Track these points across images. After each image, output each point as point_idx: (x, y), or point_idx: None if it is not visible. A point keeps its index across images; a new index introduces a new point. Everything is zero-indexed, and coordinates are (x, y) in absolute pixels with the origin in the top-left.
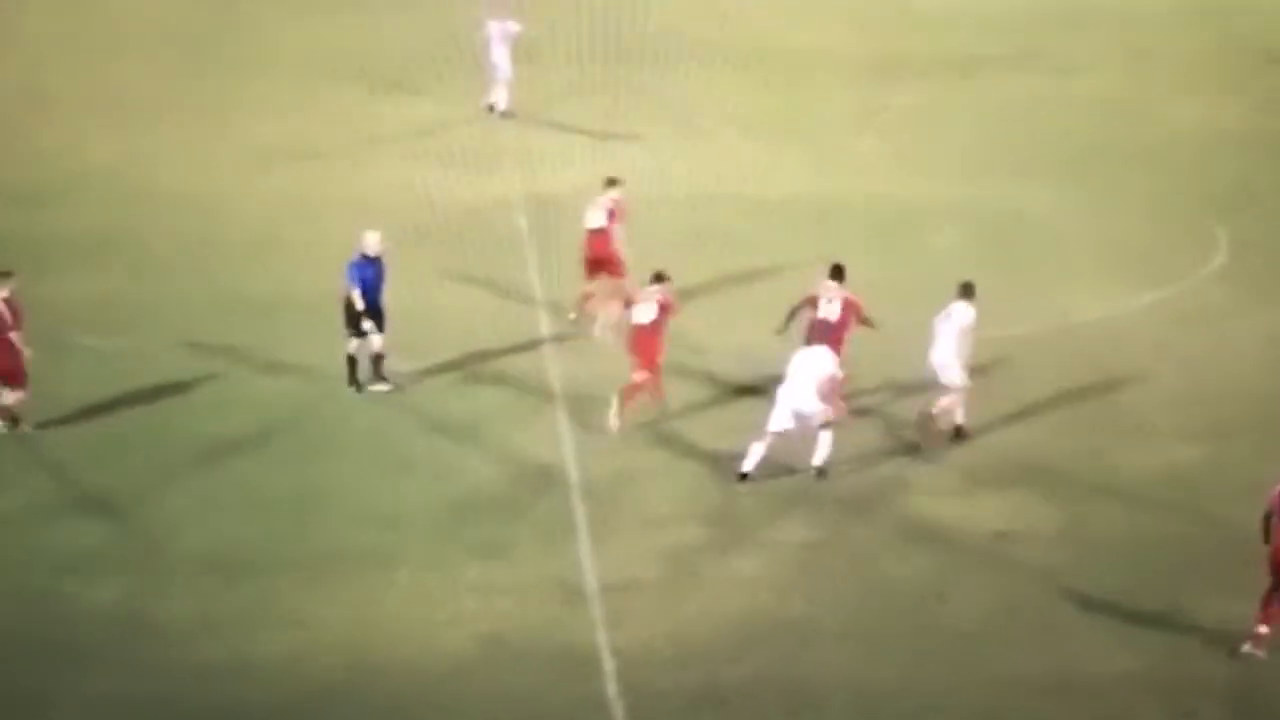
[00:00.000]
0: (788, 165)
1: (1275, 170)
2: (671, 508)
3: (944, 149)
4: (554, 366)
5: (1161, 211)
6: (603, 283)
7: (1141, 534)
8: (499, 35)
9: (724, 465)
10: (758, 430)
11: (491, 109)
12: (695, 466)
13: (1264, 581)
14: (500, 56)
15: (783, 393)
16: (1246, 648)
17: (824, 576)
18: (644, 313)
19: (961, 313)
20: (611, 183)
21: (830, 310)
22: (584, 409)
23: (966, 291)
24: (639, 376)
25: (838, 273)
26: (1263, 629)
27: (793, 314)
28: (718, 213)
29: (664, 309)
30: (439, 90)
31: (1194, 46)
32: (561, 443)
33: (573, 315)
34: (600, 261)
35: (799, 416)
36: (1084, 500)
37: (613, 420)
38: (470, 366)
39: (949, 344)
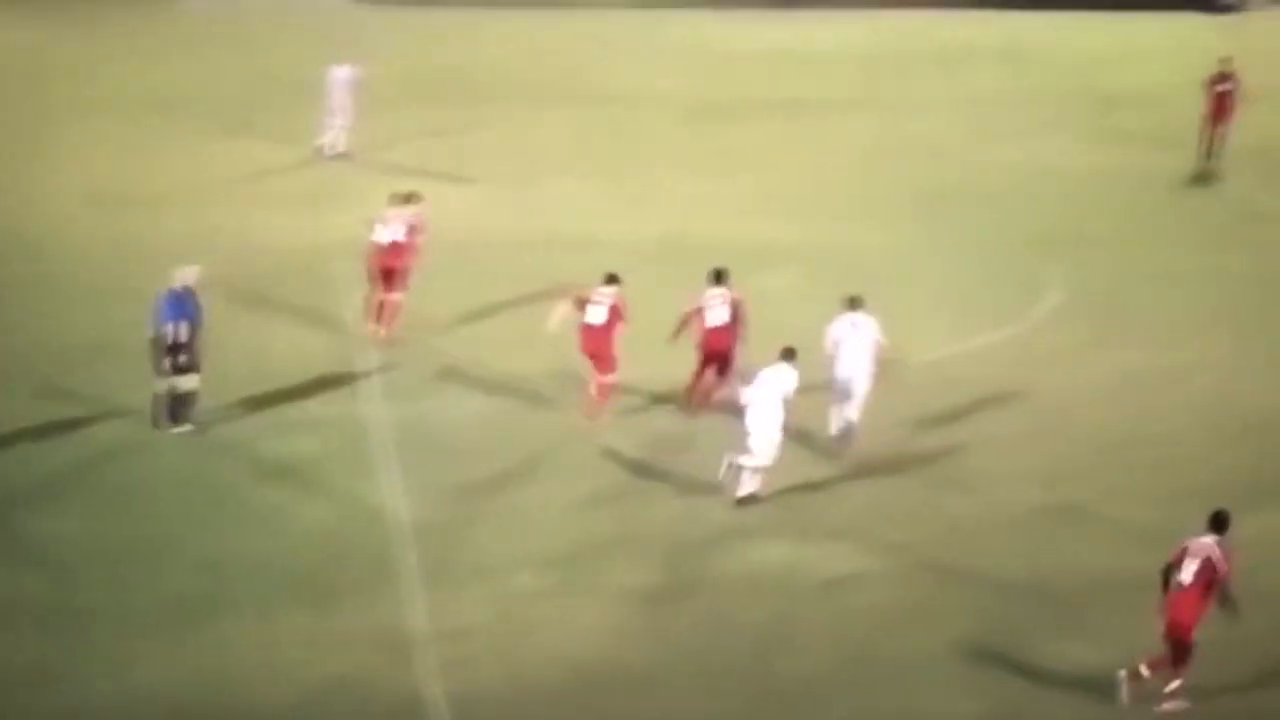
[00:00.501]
0: (620, 208)
1: (1109, 211)
2: (508, 552)
3: (776, 191)
4: (376, 408)
5: (997, 253)
6: (390, 297)
7: (983, 578)
8: (339, 78)
9: (561, 509)
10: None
11: (323, 150)
12: (533, 510)
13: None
14: (338, 99)
15: (752, 417)
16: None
17: (665, 622)
18: (596, 314)
19: (867, 322)
20: (409, 199)
21: (719, 315)
22: (412, 450)
23: (856, 304)
24: (605, 379)
25: (719, 277)
26: (1145, 670)
27: (682, 324)
28: (547, 255)
29: (615, 312)
30: (273, 132)
31: (1025, 88)
32: (389, 484)
33: (376, 331)
34: (391, 273)
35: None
36: (924, 545)
37: (593, 417)
38: (291, 409)
39: (862, 354)
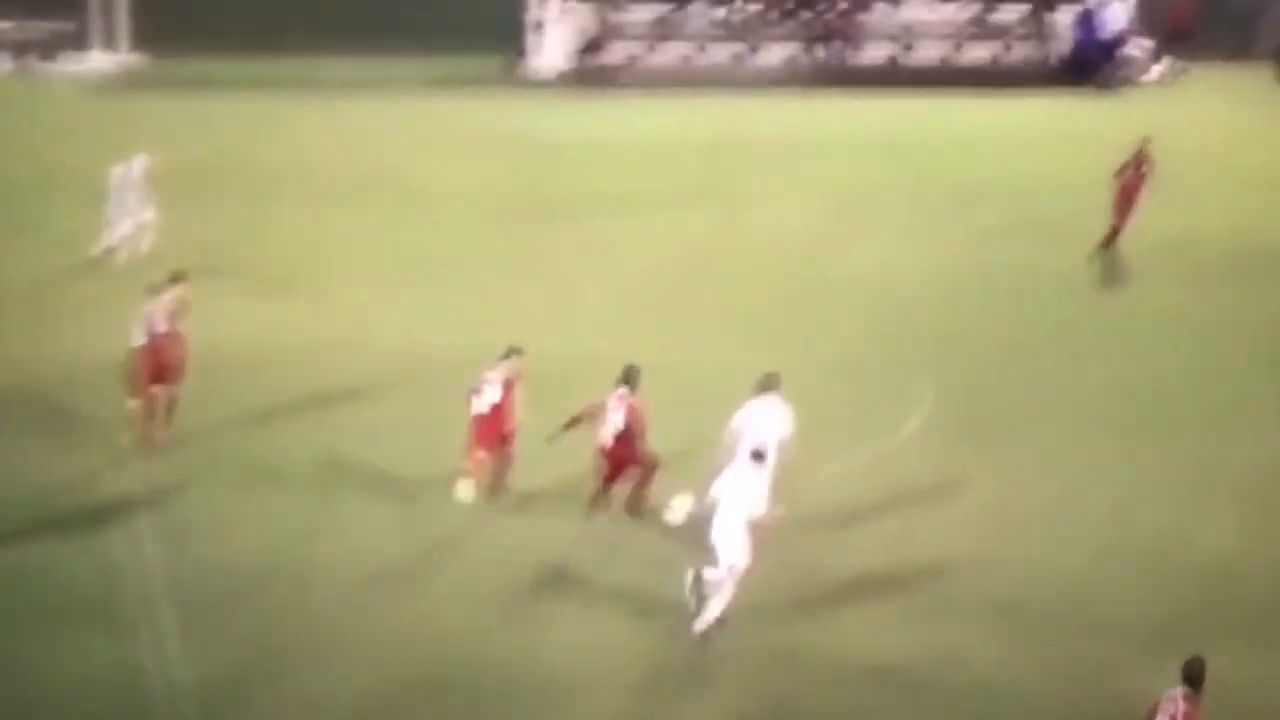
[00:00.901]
0: (430, 313)
1: (979, 314)
2: None
3: (603, 295)
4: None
5: (858, 361)
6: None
7: None
8: (124, 175)
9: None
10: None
11: (110, 252)
12: None
13: None
14: (123, 198)
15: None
16: None
17: None
18: (493, 393)
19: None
20: (176, 279)
21: (616, 419)
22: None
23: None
24: (491, 453)
25: (630, 376)
26: None
27: (572, 422)
28: (347, 364)
29: (510, 385)
30: (52, 233)
31: (885, 181)
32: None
33: (148, 435)
34: (161, 369)
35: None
36: (786, 689)
37: (464, 491)
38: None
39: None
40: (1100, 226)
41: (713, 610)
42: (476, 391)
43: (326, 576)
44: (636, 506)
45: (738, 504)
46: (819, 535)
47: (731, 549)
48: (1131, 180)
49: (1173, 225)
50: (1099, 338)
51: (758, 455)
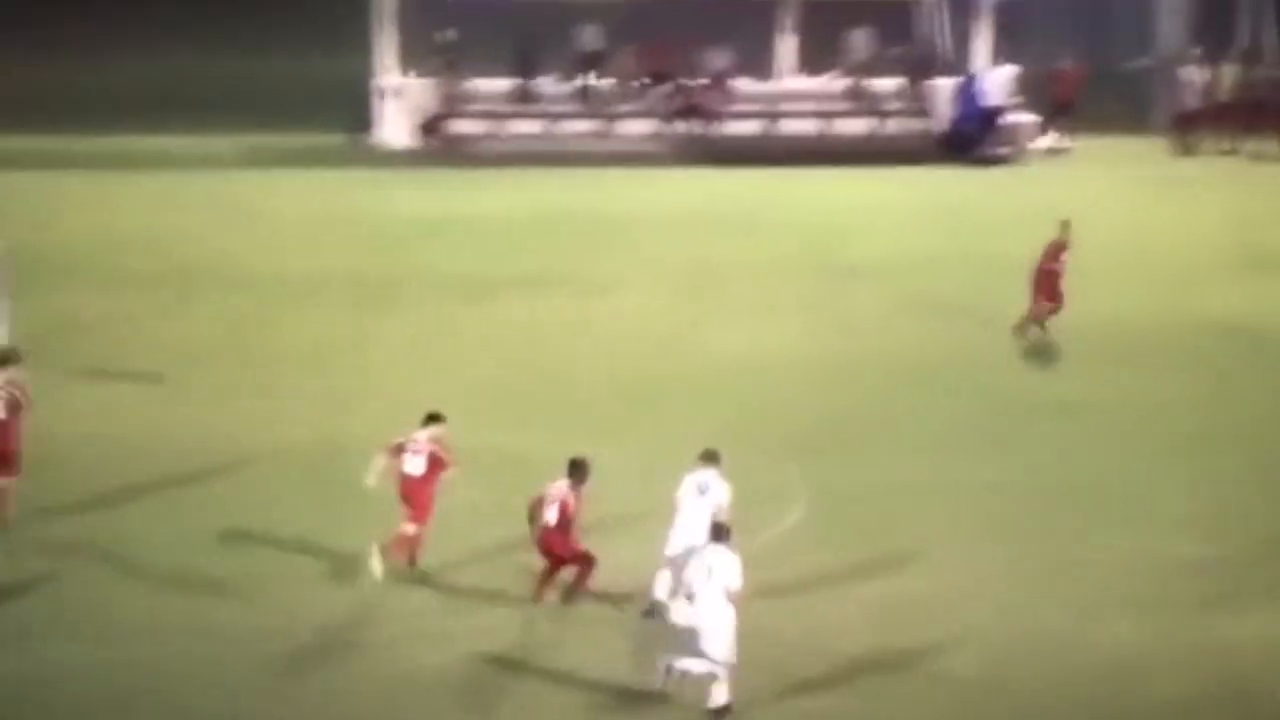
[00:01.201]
0: (273, 408)
1: (854, 403)
2: None
3: (444, 387)
4: None
5: (726, 458)
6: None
7: None
8: None
9: None
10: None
11: None
12: None
13: None
14: None
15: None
16: None
17: None
18: (415, 464)
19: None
20: (4, 361)
21: (551, 512)
22: None
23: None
24: (411, 529)
25: (574, 469)
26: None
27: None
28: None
29: (435, 458)
30: None
31: (753, 260)
32: None
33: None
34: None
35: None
36: None
37: (375, 567)
38: None
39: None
40: (988, 305)
41: (718, 698)
42: (405, 450)
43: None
44: (569, 597)
45: (713, 585)
46: None
47: (721, 635)
48: (1052, 263)
49: (1085, 308)
50: (989, 427)
51: (721, 531)
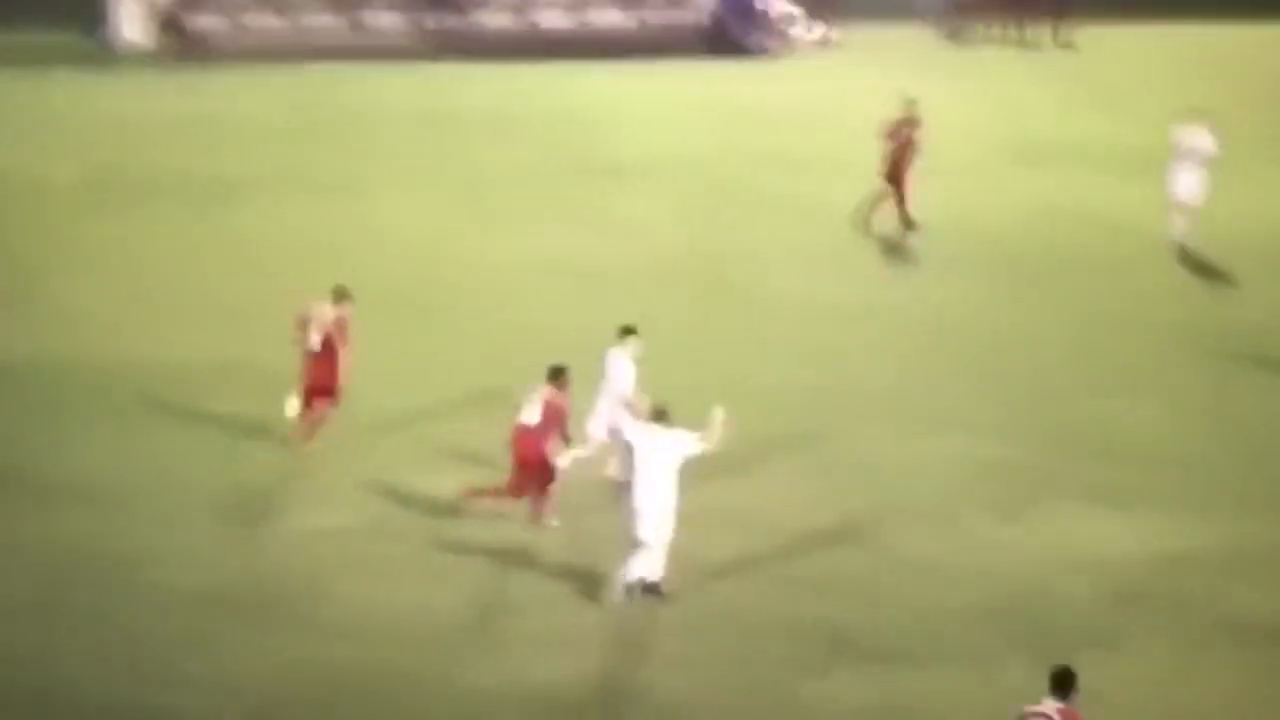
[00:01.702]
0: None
1: (625, 307)
2: None
3: (187, 298)
4: None
5: (496, 358)
6: None
7: None
8: None
9: None
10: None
11: None
12: None
13: None
14: None
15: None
16: None
17: None
18: (314, 341)
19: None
20: None
21: (531, 414)
22: None
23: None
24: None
25: (554, 374)
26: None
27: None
28: None
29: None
30: None
31: (517, 162)
32: None
33: None
34: None
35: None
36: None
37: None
38: None
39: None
40: (759, 204)
41: (652, 574)
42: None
43: None
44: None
45: (656, 466)
46: None
47: (662, 515)
48: (902, 147)
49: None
50: (767, 331)
51: (662, 414)
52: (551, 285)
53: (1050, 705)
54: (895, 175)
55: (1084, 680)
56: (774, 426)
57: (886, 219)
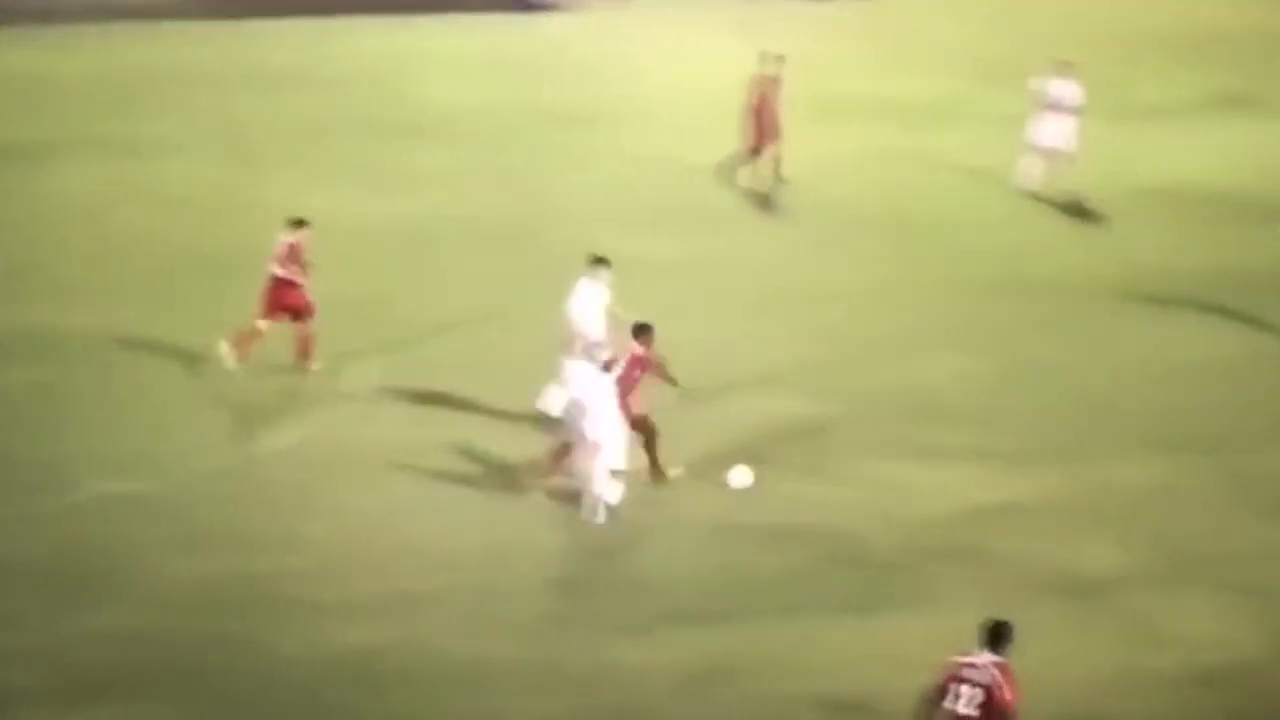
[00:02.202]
0: None
1: (426, 267)
2: None
3: None
4: None
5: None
6: None
7: None
8: None
9: None
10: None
11: None
12: None
13: None
14: None
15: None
16: None
17: None
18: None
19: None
20: None
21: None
22: None
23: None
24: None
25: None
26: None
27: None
28: None
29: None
30: None
31: (307, 118)
32: None
33: None
34: None
35: None
36: None
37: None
38: None
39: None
40: (557, 159)
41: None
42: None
43: None
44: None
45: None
46: None
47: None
48: (767, 99)
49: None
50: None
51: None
52: (348, 245)
53: (986, 658)
54: (762, 132)
55: (895, 638)
56: None
57: (747, 174)
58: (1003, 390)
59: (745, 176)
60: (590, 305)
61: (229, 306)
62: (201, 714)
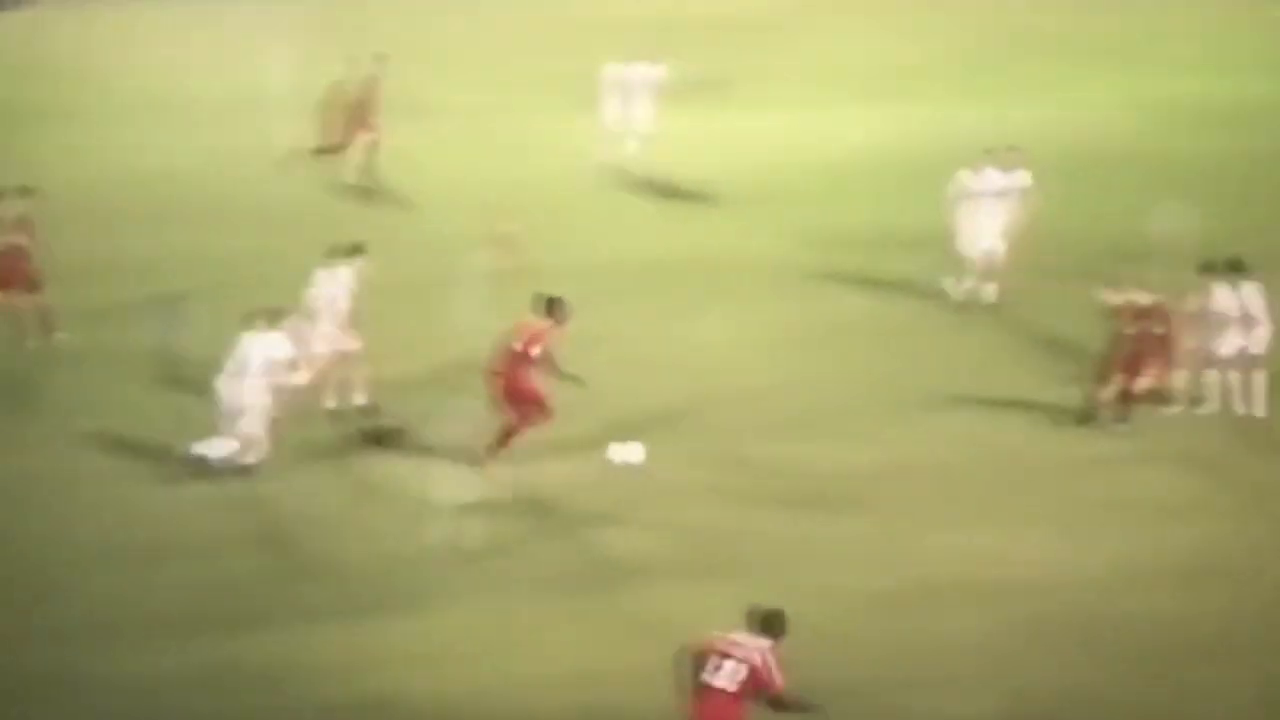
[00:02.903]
0: None
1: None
2: None
3: None
4: None
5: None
6: None
7: None
8: None
9: None
10: None
11: None
12: None
13: None
14: None
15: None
16: None
17: None
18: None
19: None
20: None
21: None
22: None
23: None
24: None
25: (552, 305)
26: None
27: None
28: None
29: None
30: None
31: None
32: None
33: None
34: None
35: None
36: None
37: None
38: None
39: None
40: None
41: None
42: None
43: None
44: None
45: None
46: None
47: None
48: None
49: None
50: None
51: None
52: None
53: (758, 642)
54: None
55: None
56: None
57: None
58: None
59: (351, 172)
60: (338, 294)
61: None
62: None
